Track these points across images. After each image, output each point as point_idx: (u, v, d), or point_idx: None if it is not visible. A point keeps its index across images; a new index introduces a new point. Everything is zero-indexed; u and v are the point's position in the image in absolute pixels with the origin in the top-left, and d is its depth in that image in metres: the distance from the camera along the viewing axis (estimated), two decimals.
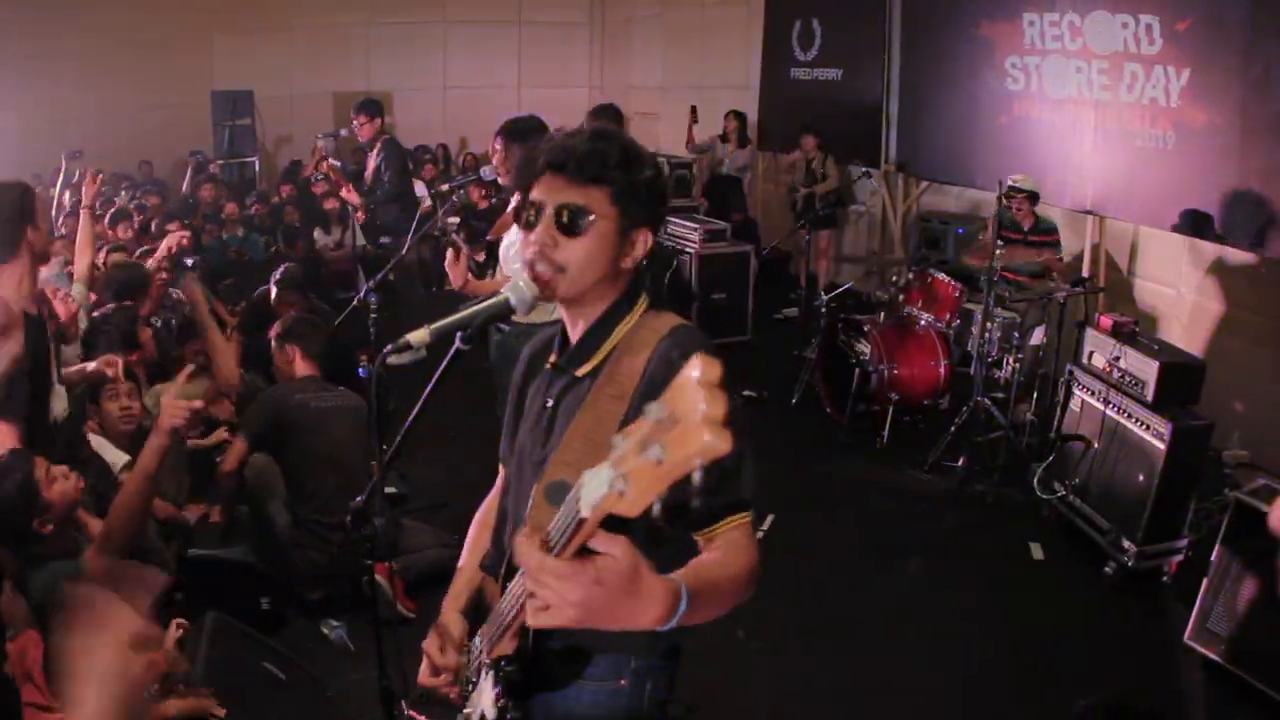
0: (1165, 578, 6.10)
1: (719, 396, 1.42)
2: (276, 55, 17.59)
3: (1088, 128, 8.86)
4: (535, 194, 2.41)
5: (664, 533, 1.76)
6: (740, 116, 13.67)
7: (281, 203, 13.67)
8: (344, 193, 10.26)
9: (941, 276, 8.35)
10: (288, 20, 17.77)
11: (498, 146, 6.09)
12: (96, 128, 15.31)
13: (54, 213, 11.85)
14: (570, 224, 2.37)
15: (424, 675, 2.86)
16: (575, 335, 2.56)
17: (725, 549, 2.20)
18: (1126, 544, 6.04)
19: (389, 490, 3.13)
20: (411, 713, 3.23)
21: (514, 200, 6.18)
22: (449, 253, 6.05)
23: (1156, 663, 5.44)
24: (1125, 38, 8.26)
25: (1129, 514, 6.08)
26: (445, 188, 7.28)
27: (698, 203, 13.04)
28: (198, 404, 4.42)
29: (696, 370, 1.44)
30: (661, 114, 16.31)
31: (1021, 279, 8.11)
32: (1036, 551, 6.47)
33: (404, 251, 7.50)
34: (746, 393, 9.25)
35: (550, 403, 2.57)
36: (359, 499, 3.27)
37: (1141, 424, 6.09)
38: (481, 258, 6.36)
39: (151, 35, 16.76)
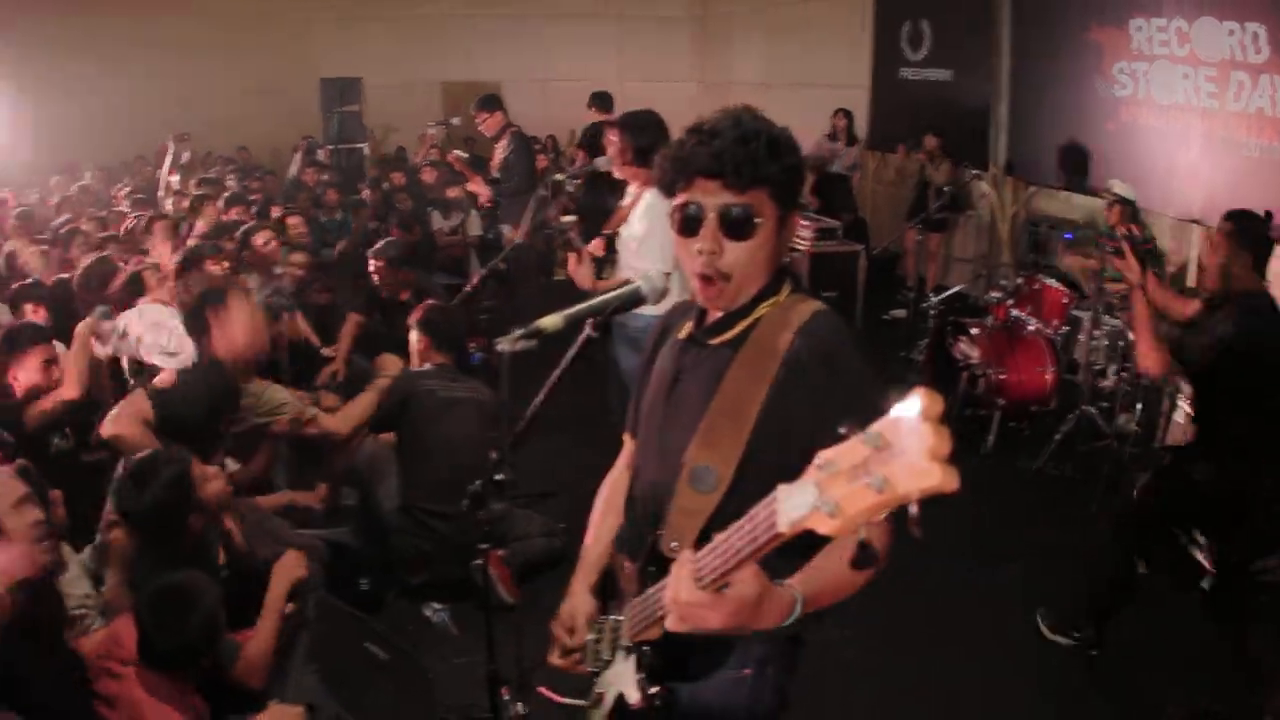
0: (1265, 596, 6.02)
1: (944, 432, 1.43)
2: (383, 44, 17.87)
3: (1195, 135, 8.74)
4: (690, 198, 2.39)
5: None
6: (848, 115, 13.56)
7: (394, 189, 13.79)
8: (472, 185, 10.39)
9: (1050, 282, 8.30)
10: (393, 10, 18.00)
11: (614, 139, 6.16)
12: (202, 112, 15.64)
13: (160, 193, 12.12)
14: (737, 228, 2.36)
15: (553, 655, 2.91)
16: (716, 315, 2.55)
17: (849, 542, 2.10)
18: (1223, 558, 5.95)
19: (498, 477, 3.15)
20: (542, 689, 3.18)
21: (629, 193, 6.26)
22: (570, 257, 6.11)
23: (1246, 677, 5.33)
24: (1232, 45, 8.15)
25: (1227, 528, 5.98)
26: (559, 177, 7.33)
27: (808, 201, 12.97)
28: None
29: (919, 404, 1.44)
30: (764, 110, 16.25)
31: (1121, 288, 7.97)
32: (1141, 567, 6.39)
33: (520, 239, 7.58)
34: None
35: (681, 373, 2.60)
36: (478, 483, 3.26)
37: None
38: (601, 252, 6.39)
39: (258, 21, 17.08)
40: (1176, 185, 8.92)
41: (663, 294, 2.85)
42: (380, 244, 8.18)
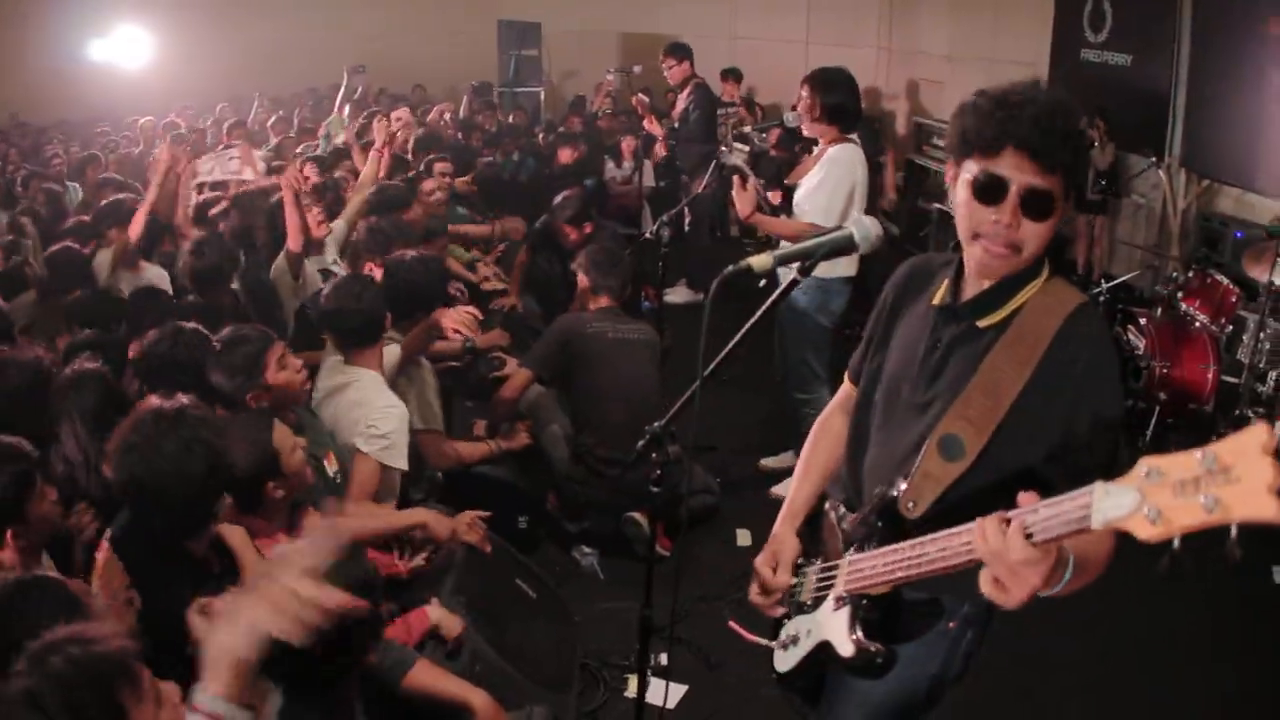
0: None
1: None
2: None
3: None
4: (997, 169, 2.39)
5: None
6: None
7: (571, 133, 13.88)
8: (647, 123, 10.46)
9: (1221, 278, 8.11)
10: None
11: (804, 94, 6.19)
12: (380, 46, 15.80)
13: (334, 115, 12.31)
14: (1037, 210, 2.39)
15: (754, 594, 2.99)
16: (978, 286, 2.58)
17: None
18: None
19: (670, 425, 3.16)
20: (732, 622, 3.25)
21: (816, 149, 6.28)
22: (735, 180, 6.11)
23: None
24: None
25: None
26: (748, 129, 7.35)
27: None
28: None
29: (1263, 437, 1.52)
30: (947, 82, 16.08)
31: None
32: (1278, 576, 6.21)
33: (699, 190, 7.62)
34: None
35: (940, 345, 2.63)
36: (657, 424, 3.21)
37: None
38: (778, 200, 6.42)
39: None
40: None
41: (875, 243, 2.87)
42: (561, 203, 8.14)
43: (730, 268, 2.88)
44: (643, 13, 18.08)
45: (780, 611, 2.97)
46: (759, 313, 2.99)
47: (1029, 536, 1.95)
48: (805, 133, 6.37)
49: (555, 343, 6.08)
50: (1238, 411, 7.43)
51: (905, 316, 2.80)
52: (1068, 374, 2.42)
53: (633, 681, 4.10)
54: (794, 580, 2.93)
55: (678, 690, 4.89)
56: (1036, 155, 2.34)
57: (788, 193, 6.44)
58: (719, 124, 10.65)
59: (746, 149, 6.86)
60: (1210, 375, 7.69)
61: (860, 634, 2.58)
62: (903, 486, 2.52)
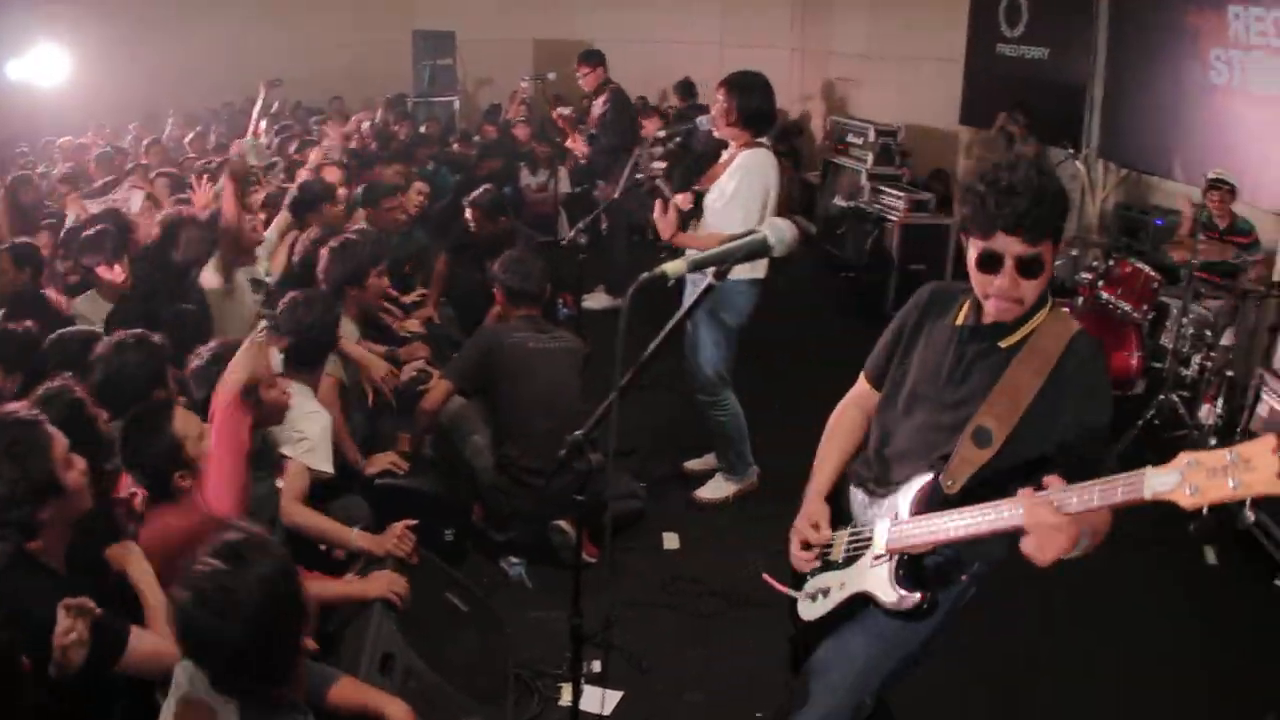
0: None
1: None
2: None
3: None
4: (991, 246, 2.96)
5: None
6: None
7: (485, 143, 13.86)
8: (571, 142, 10.45)
9: (1141, 266, 8.20)
10: None
11: (719, 98, 6.19)
12: (295, 60, 15.61)
13: (249, 138, 12.21)
14: (1029, 272, 2.97)
15: (795, 549, 3.49)
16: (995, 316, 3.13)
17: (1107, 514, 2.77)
18: None
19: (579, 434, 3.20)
20: (766, 575, 3.66)
21: (727, 153, 6.28)
22: (657, 204, 6.15)
23: None
24: None
25: None
26: (659, 134, 7.34)
27: (901, 171, 12.98)
28: None
29: (1273, 442, 2.20)
30: (864, 81, 16.17)
31: (1215, 278, 7.87)
32: (1210, 555, 6.29)
33: (615, 196, 7.61)
34: None
35: (965, 358, 3.19)
36: (578, 432, 3.29)
37: None
38: (689, 205, 6.40)
39: None
40: (1270, 177, 8.67)
41: (790, 246, 3.11)
42: (477, 192, 8.26)
43: (645, 274, 3.01)
44: (557, 20, 18.07)
45: (813, 566, 3.46)
46: (675, 319, 3.17)
47: (1066, 508, 2.60)
48: (718, 135, 6.37)
49: (476, 354, 6.03)
50: (1163, 396, 7.52)
51: (928, 332, 3.34)
52: (1069, 389, 3.03)
53: (567, 690, 4.09)
54: (834, 537, 3.43)
55: (614, 696, 4.89)
56: (1023, 233, 2.90)
57: (698, 197, 6.43)
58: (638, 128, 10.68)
59: (664, 164, 6.83)
60: (1135, 362, 7.82)
61: (903, 586, 3.13)
62: (941, 472, 3.11)
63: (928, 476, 3.14)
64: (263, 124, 11.80)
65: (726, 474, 6.82)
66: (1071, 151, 10.94)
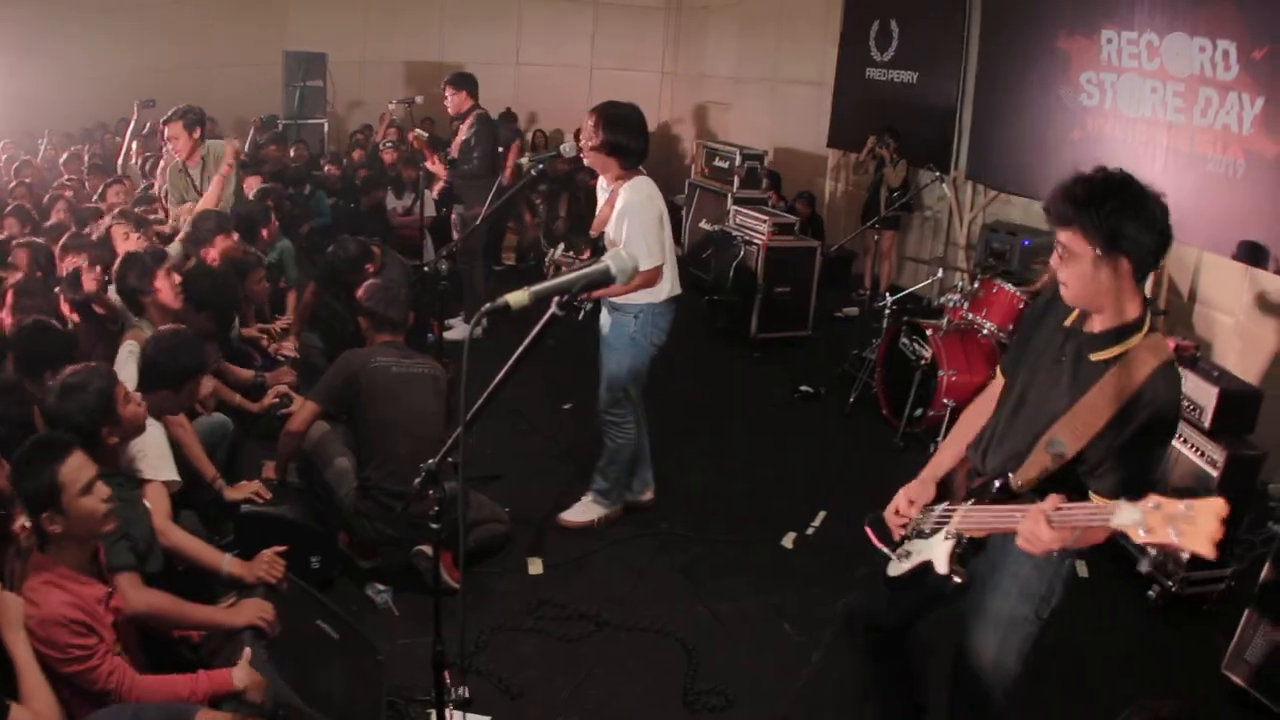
0: (1206, 605, 6.09)
1: (1222, 529, 2.48)
2: (351, 20, 17.71)
3: (1160, 149, 8.80)
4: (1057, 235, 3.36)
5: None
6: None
7: (354, 165, 13.78)
8: (429, 164, 10.33)
9: (1006, 286, 8.34)
10: None
11: (588, 123, 6.17)
12: (168, 81, 15.41)
13: (120, 161, 12.04)
14: (1064, 257, 3.33)
15: (890, 513, 3.90)
16: (1096, 325, 3.44)
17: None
18: (1172, 569, 6.04)
19: (448, 460, 3.22)
20: (868, 528, 4.00)
21: (605, 191, 6.29)
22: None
23: (1190, 688, 5.41)
24: (1202, 62, 8.24)
25: None
26: (523, 161, 7.31)
27: (767, 195, 13.07)
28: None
29: (1221, 510, 2.48)
30: (734, 104, 16.29)
31: None
32: (1081, 569, 6.36)
33: (479, 222, 7.56)
34: (803, 388, 9.38)
35: (1064, 360, 3.48)
36: (431, 460, 3.36)
37: (1196, 450, 6.09)
38: (586, 256, 6.39)
39: None
40: None
41: (632, 274, 3.16)
42: (336, 244, 8.13)
43: (487, 304, 3.03)
44: (428, 42, 17.99)
45: (904, 533, 3.87)
46: (520, 350, 3.13)
47: (1050, 520, 3.02)
48: (585, 161, 6.36)
49: (340, 377, 5.96)
50: None
51: (1043, 328, 3.65)
52: (1141, 420, 3.26)
53: (434, 717, 4.04)
54: (920, 515, 3.82)
55: None
56: (1056, 220, 3.34)
57: (594, 245, 6.44)
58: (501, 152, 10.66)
59: (569, 255, 6.83)
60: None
61: (954, 563, 3.49)
62: (1015, 471, 3.48)
63: (1003, 472, 3.50)
64: (134, 145, 11.64)
65: (597, 497, 6.80)
66: (938, 174, 11.09)
